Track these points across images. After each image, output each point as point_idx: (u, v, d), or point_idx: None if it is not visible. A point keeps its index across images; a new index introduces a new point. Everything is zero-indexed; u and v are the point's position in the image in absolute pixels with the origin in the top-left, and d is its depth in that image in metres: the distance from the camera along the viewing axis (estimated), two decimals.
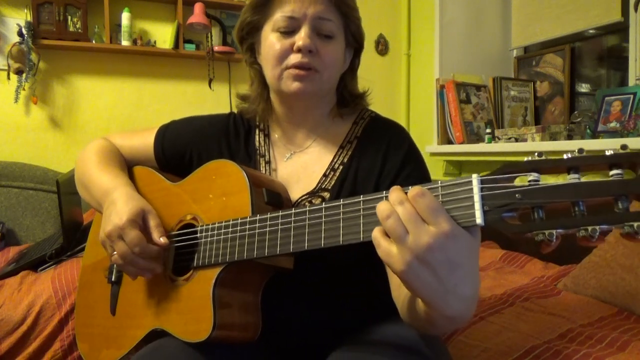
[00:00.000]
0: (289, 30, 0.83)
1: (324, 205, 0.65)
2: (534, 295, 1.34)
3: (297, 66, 0.82)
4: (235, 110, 1.02)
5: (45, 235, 2.22)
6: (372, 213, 0.59)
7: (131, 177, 0.96)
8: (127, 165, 1.01)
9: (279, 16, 0.83)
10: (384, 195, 0.58)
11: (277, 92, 0.89)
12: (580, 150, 0.50)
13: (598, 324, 1.14)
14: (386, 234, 0.55)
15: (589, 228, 0.48)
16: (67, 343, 1.43)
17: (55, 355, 1.42)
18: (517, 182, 0.52)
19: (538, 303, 1.28)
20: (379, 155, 0.86)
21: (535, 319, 1.18)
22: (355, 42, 0.92)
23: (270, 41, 0.85)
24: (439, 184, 0.56)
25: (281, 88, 0.85)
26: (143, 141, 1.01)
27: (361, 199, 0.61)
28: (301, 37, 0.81)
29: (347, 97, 0.93)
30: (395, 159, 0.85)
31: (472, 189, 0.53)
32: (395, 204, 0.54)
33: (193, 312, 0.76)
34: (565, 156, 0.50)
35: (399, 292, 0.72)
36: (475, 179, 0.53)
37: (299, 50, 0.81)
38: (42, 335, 1.42)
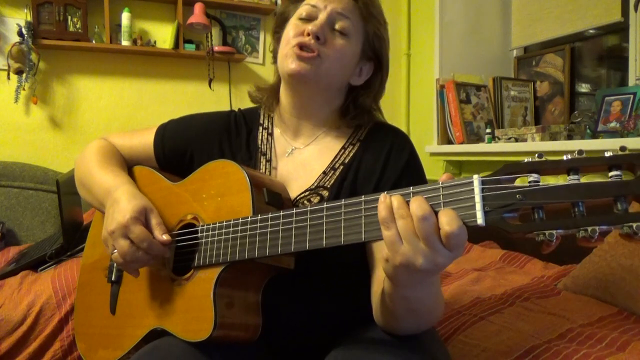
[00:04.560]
0: (308, 18, 0.87)
1: (325, 205, 0.65)
2: (534, 295, 1.34)
3: (301, 45, 0.84)
4: (235, 109, 1.03)
5: (45, 235, 2.22)
6: (373, 214, 0.60)
7: (131, 177, 0.96)
8: (127, 165, 1.00)
9: (304, 5, 0.89)
10: (385, 196, 0.59)
11: (282, 76, 0.91)
12: (580, 152, 0.50)
13: (598, 324, 1.13)
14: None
15: (589, 229, 0.49)
16: (67, 343, 1.43)
17: (55, 355, 1.42)
18: (518, 182, 0.53)
19: (538, 303, 1.28)
20: (380, 159, 0.87)
21: (535, 319, 1.18)
22: (372, 54, 0.92)
23: (290, 27, 0.89)
24: (440, 184, 0.57)
25: (283, 68, 0.87)
26: (142, 141, 1.00)
27: (362, 199, 0.62)
28: (314, 24, 0.85)
29: (351, 110, 0.93)
30: (396, 165, 0.87)
31: (473, 189, 0.54)
32: (397, 216, 0.57)
33: (194, 312, 0.76)
34: (565, 157, 0.51)
35: (377, 289, 0.77)
36: (476, 179, 0.54)
37: (309, 34, 0.84)
38: (42, 335, 1.42)
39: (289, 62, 0.85)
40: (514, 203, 0.52)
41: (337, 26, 0.87)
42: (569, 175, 0.50)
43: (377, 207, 0.59)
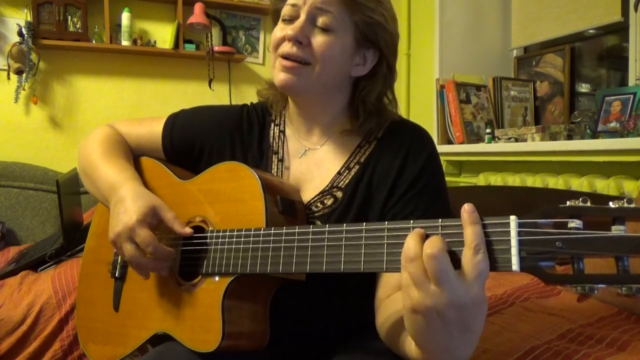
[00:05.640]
0: (290, 18, 0.81)
1: (345, 228, 0.62)
2: (534, 295, 1.34)
3: (284, 56, 0.80)
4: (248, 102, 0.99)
5: (45, 235, 2.22)
6: (397, 243, 0.57)
7: (137, 168, 0.92)
8: (133, 154, 0.96)
9: (286, 5, 0.82)
10: (411, 226, 0.56)
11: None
12: (629, 201, 0.46)
13: (598, 324, 1.14)
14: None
15: (633, 287, 0.45)
16: (67, 343, 1.43)
17: (55, 355, 1.42)
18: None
19: (538, 303, 1.28)
20: (397, 159, 0.82)
21: (535, 319, 1.18)
22: (368, 42, 0.84)
23: (276, 28, 0.84)
24: None
25: (274, 80, 0.83)
26: (151, 130, 0.96)
27: (385, 226, 0.59)
28: (293, 27, 0.79)
29: (360, 108, 0.87)
30: (414, 167, 0.81)
31: (509, 231, 0.50)
32: (425, 255, 0.51)
33: (200, 321, 0.75)
34: (611, 205, 0.47)
35: (385, 307, 0.73)
36: (513, 221, 0.50)
37: (289, 40, 0.79)
38: (42, 335, 1.42)
39: (276, 74, 0.82)
40: (553, 251, 0.48)
41: (319, 22, 0.79)
42: (614, 224, 0.46)
43: (400, 235, 0.55)
